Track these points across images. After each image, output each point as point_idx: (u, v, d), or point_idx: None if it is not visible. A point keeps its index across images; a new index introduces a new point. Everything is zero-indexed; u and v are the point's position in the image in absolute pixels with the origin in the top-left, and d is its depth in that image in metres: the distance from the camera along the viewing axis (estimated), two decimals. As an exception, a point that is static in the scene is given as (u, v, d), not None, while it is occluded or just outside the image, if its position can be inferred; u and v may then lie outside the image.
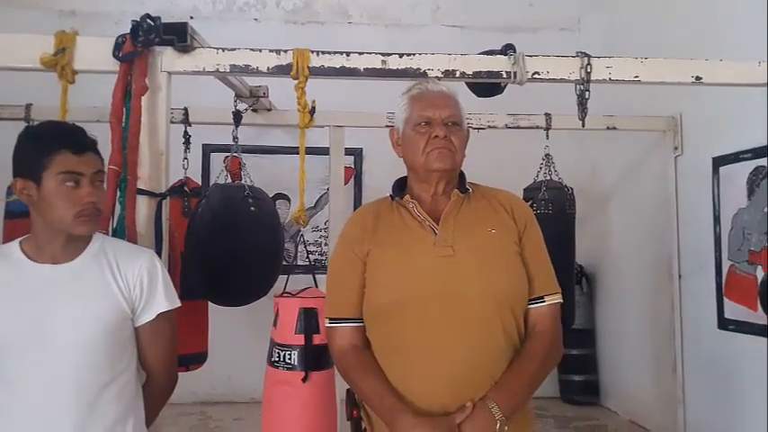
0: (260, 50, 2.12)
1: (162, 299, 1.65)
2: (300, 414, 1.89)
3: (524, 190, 4.02)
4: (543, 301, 1.64)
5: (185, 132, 3.80)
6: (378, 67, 2.12)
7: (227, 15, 5.38)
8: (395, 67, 2.12)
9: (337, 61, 2.11)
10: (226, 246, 3.01)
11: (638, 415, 4.74)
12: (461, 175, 1.74)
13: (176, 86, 2.36)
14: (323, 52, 2.11)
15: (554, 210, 3.91)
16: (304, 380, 1.87)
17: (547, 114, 4.09)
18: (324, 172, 4.44)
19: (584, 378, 5.25)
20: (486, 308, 1.57)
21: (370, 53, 2.12)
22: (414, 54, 2.13)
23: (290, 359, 1.91)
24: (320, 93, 2.34)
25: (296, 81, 2.12)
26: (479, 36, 5.20)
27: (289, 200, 5.27)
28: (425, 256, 1.61)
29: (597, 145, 5.17)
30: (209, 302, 3.42)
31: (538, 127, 4.12)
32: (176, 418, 4.71)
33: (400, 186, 1.75)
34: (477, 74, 2.17)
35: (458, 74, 2.15)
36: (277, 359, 1.94)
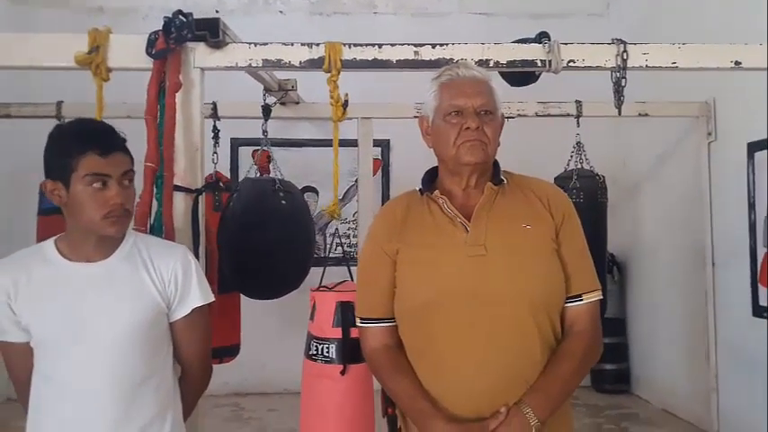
0: (292, 44, 2.12)
1: (196, 294, 1.66)
2: (339, 406, 1.90)
3: (555, 179, 3.97)
4: (581, 300, 1.56)
5: (214, 127, 3.83)
6: (410, 58, 2.11)
7: (253, 8, 5.39)
8: (428, 58, 2.10)
9: (369, 53, 2.10)
10: (257, 239, 3.04)
11: (670, 404, 4.69)
12: (495, 164, 1.65)
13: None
14: (355, 45, 2.10)
15: (585, 198, 3.86)
16: (342, 373, 1.88)
17: (577, 102, 4.04)
18: (352, 164, 4.44)
19: (615, 367, 5.20)
20: (520, 310, 1.50)
21: (403, 44, 2.10)
22: (447, 44, 2.11)
23: (327, 352, 1.91)
24: (347, 84, 2.32)
25: (327, 74, 2.10)
26: (506, 23, 5.17)
27: (317, 192, 5.28)
28: (456, 255, 1.53)
29: (629, 132, 5.10)
30: (242, 295, 3.45)
31: (568, 115, 4.07)
32: (210, 410, 4.74)
33: (430, 178, 1.67)
34: (511, 63, 2.14)
35: (492, 63, 2.13)
36: (315, 352, 1.94)
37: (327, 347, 1.91)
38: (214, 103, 3.85)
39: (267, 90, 3.34)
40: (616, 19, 5.38)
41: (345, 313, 1.84)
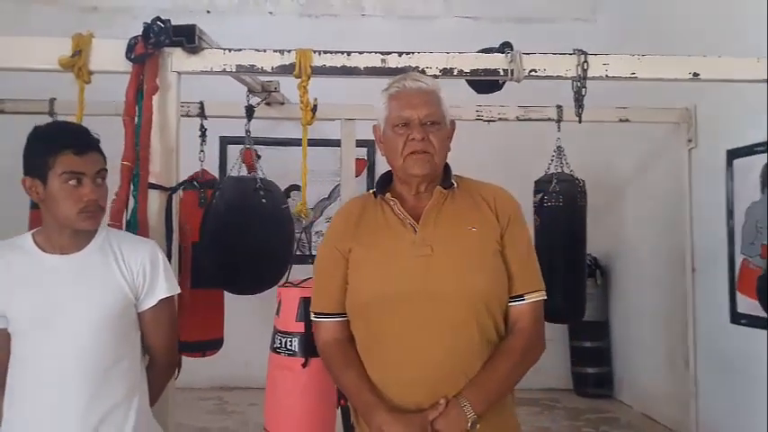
0: (264, 51, 2.20)
1: (163, 285, 1.76)
2: (300, 398, 1.97)
3: (535, 182, 4.05)
4: (523, 299, 1.63)
5: (201, 126, 3.91)
6: (377, 65, 2.19)
7: (244, 9, 5.48)
8: (394, 66, 2.18)
9: (338, 60, 2.19)
10: (238, 236, 3.12)
11: (651, 408, 4.75)
12: (447, 168, 1.73)
13: (193, 80, 2.44)
14: (324, 52, 2.18)
15: (565, 202, 3.93)
16: (304, 365, 1.94)
17: (558, 107, 4.09)
18: (338, 164, 4.52)
19: (597, 370, 5.29)
20: (461, 307, 1.57)
21: (370, 52, 2.19)
22: (413, 53, 2.20)
23: (291, 346, 1.98)
24: (333, 86, 2.39)
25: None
26: (492, 27, 5.25)
27: (302, 191, 5.37)
28: (404, 255, 1.61)
29: (611, 137, 5.16)
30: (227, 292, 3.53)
31: (549, 119, 4.12)
32: (194, 402, 4.86)
33: (385, 181, 1.74)
34: (474, 72, 2.22)
35: (456, 72, 2.21)
36: (279, 345, 2.02)
37: (290, 341, 1.98)
38: (201, 103, 3.93)
39: (251, 91, 3.42)
40: (602, 24, 5.46)
41: (308, 308, 1.91)
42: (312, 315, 1.77)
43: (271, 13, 5.51)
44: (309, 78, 2.18)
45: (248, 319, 4.53)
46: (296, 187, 5.32)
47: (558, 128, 4.09)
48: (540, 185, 4.01)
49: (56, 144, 1.62)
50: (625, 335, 5.19)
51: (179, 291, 1.83)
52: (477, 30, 5.37)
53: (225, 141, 5.24)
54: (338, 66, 2.19)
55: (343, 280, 1.69)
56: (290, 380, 2.00)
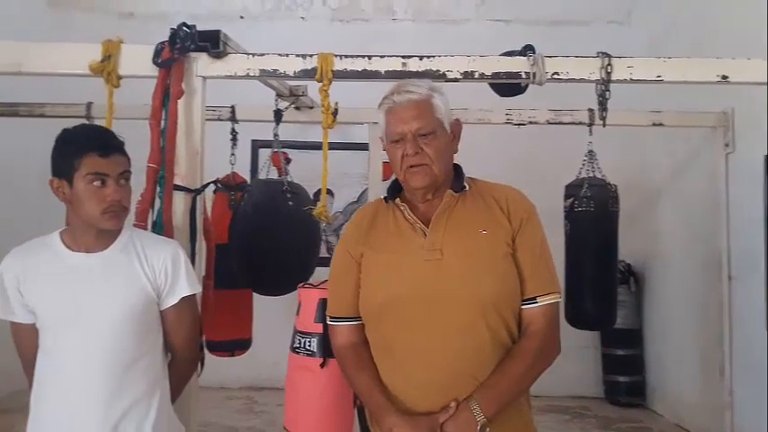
0: (287, 55, 2.24)
1: (185, 284, 1.81)
2: (319, 397, 1.99)
3: (566, 187, 4.00)
4: (536, 302, 1.63)
5: (232, 129, 3.98)
6: (398, 69, 2.20)
7: (276, 14, 5.54)
8: (415, 69, 2.18)
9: (359, 64, 2.20)
10: (265, 237, 3.17)
11: (684, 418, 4.64)
12: (458, 170, 1.73)
13: (225, 85, 2.49)
14: (345, 56, 2.20)
15: (596, 207, 3.87)
16: (322, 365, 1.96)
17: (590, 110, 4.02)
18: (367, 167, 4.54)
19: (629, 379, 5.17)
20: (470, 311, 1.57)
21: (391, 56, 2.20)
22: (433, 56, 2.20)
23: (309, 346, 2.00)
24: (361, 89, 2.40)
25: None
26: (525, 30, 5.20)
27: (332, 194, 5.42)
28: (414, 259, 1.62)
29: (646, 141, 5.08)
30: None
31: (581, 123, 4.06)
32: (224, 402, 4.95)
33: (396, 187, 1.75)
34: (496, 75, 2.21)
35: (477, 75, 2.21)
36: (298, 346, 2.04)
37: (309, 341, 2.00)
38: (232, 107, 4.00)
39: (279, 95, 3.46)
40: (638, 27, 5.35)
41: (326, 310, 1.93)
42: (328, 319, 1.80)
43: (302, 18, 5.56)
44: (331, 82, 2.20)
45: (277, 319, 4.56)
46: (327, 191, 5.38)
47: (590, 131, 4.03)
48: (571, 190, 3.96)
49: (81, 146, 1.68)
50: (659, 343, 5.08)
51: (200, 290, 1.88)
52: (509, 33, 5.33)
53: (256, 145, 5.31)
54: (359, 69, 2.21)
55: (356, 284, 1.71)
56: (308, 380, 2.02)
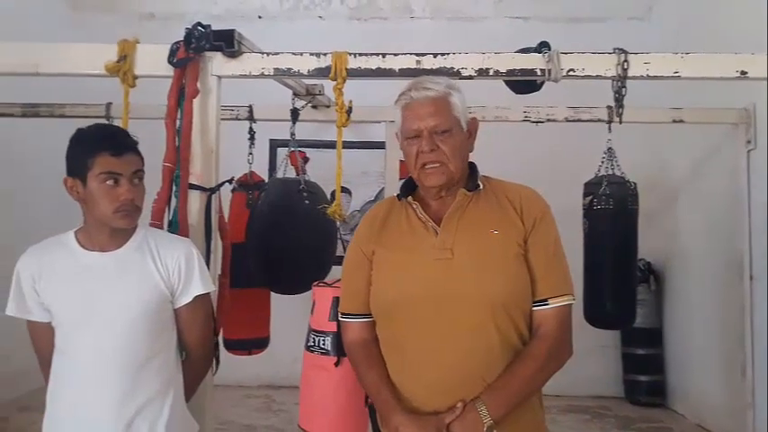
0: (301, 54, 2.24)
1: (198, 283, 1.82)
2: (333, 396, 1.99)
3: (585, 185, 3.96)
4: (548, 304, 1.61)
5: (250, 129, 4.00)
6: (412, 67, 2.19)
7: (294, 14, 5.56)
8: (429, 67, 2.17)
9: (373, 63, 2.20)
10: (282, 236, 3.18)
11: (705, 418, 4.58)
12: (473, 169, 1.72)
13: (243, 84, 2.49)
14: (360, 54, 2.20)
15: (615, 205, 3.84)
16: (336, 364, 1.97)
17: (609, 107, 3.97)
18: (384, 166, 4.54)
19: (650, 378, 5.12)
20: (479, 311, 1.56)
21: (405, 54, 2.19)
22: (447, 54, 2.19)
23: (324, 344, 2.01)
24: (378, 87, 2.40)
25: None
26: (543, 27, 5.17)
27: (350, 193, 5.43)
28: (424, 258, 1.61)
29: (666, 138, 5.01)
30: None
31: (600, 120, 4.02)
32: (242, 400, 4.98)
33: (410, 185, 1.74)
34: (510, 72, 2.20)
35: (492, 72, 2.19)
36: (313, 344, 2.04)
37: (324, 340, 2.01)
38: (250, 107, 4.02)
39: (296, 95, 3.47)
40: (658, 23, 5.29)
41: (338, 306, 1.94)
42: (339, 315, 1.80)
43: (320, 17, 5.58)
44: (345, 81, 2.19)
45: (295, 317, 4.56)
46: (343, 189, 5.38)
47: (609, 129, 3.99)
48: (590, 188, 3.93)
49: (94, 146, 1.70)
50: (679, 342, 5.02)
51: (213, 288, 1.89)
52: (527, 30, 5.29)
53: (274, 144, 5.33)
54: (373, 68, 2.20)
55: (367, 281, 1.71)
56: (323, 378, 2.02)
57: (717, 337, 4.47)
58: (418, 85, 1.67)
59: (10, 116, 4.16)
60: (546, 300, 1.61)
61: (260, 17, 5.51)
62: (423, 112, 1.62)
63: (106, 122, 1.87)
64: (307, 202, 3.21)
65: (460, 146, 1.66)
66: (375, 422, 1.82)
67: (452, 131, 1.64)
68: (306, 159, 3.87)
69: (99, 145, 1.70)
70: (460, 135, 1.66)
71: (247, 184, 3.80)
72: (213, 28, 2.22)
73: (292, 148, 3.57)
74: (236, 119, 4.02)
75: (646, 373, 5.13)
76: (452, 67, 2.16)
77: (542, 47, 2.19)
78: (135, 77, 2.25)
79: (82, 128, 1.77)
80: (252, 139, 3.99)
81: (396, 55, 2.20)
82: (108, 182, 1.69)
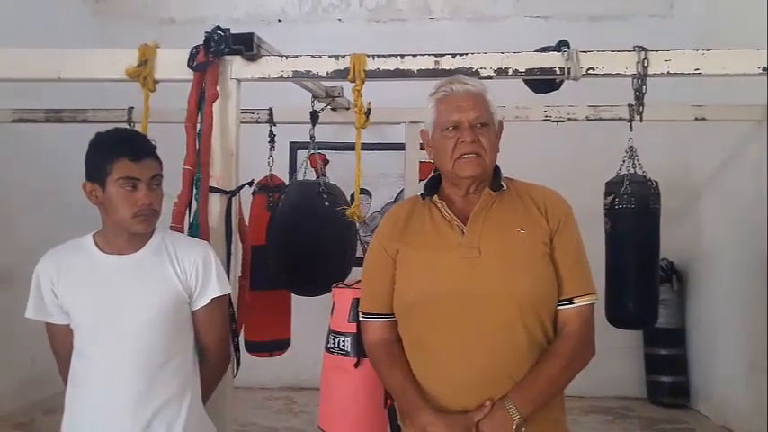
0: (320, 56, 2.25)
1: (215, 285, 1.83)
2: (353, 397, 1.99)
3: (606, 184, 3.93)
4: (573, 303, 1.62)
5: (270, 132, 4.02)
6: (431, 68, 2.18)
7: (313, 17, 5.58)
8: (448, 68, 2.16)
9: (392, 64, 2.20)
10: (302, 238, 3.19)
11: (730, 420, 4.51)
12: (497, 170, 1.73)
13: (264, 87, 2.50)
14: (378, 56, 2.20)
15: (637, 204, 3.81)
16: (356, 365, 1.97)
17: (630, 105, 3.93)
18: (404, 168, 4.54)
19: (673, 379, 5.05)
20: (507, 310, 1.57)
21: (423, 55, 2.19)
22: (466, 54, 2.18)
23: (343, 346, 2.01)
24: (398, 89, 2.40)
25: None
26: (564, 26, 5.10)
27: (370, 195, 5.43)
28: (451, 256, 1.62)
29: (690, 136, 4.95)
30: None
31: (621, 119, 3.99)
32: (264, 402, 5.01)
33: (434, 184, 1.75)
34: (530, 71, 2.18)
35: (510, 72, 2.18)
36: (332, 345, 2.05)
37: (343, 341, 2.01)
38: (270, 110, 4.05)
39: (315, 97, 3.49)
40: (680, 20, 5.22)
41: (359, 306, 1.94)
42: (360, 315, 1.80)
43: (340, 19, 5.59)
44: (363, 82, 2.20)
45: (317, 319, 4.57)
46: (363, 191, 5.38)
47: (630, 127, 3.94)
48: (611, 187, 3.89)
49: (113, 151, 1.71)
50: (703, 342, 4.95)
51: (230, 290, 1.90)
52: (548, 30, 5.23)
53: (295, 147, 5.36)
54: (392, 69, 2.20)
55: (390, 281, 1.71)
56: (343, 380, 2.03)
57: (741, 337, 4.40)
58: (456, 80, 1.71)
59: (33, 122, 4.24)
60: (572, 299, 1.63)
61: (279, 20, 5.54)
62: (464, 105, 1.65)
63: (125, 126, 1.86)
64: (326, 204, 3.22)
65: (495, 142, 1.69)
66: (394, 424, 1.82)
67: (489, 126, 1.67)
68: (326, 162, 3.89)
69: (118, 150, 1.71)
70: (494, 132, 1.70)
71: (268, 187, 3.81)
72: (233, 32, 2.24)
73: (312, 151, 3.58)
74: (257, 122, 4.05)
75: (669, 373, 5.06)
76: (471, 67, 2.15)
77: (561, 45, 2.17)
78: (155, 82, 2.27)
79: (101, 132, 1.78)
80: (272, 141, 4.00)
81: (414, 56, 2.19)
82: (126, 187, 1.70)
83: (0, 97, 4.10)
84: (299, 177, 3.77)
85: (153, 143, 1.80)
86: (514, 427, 1.51)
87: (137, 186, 1.71)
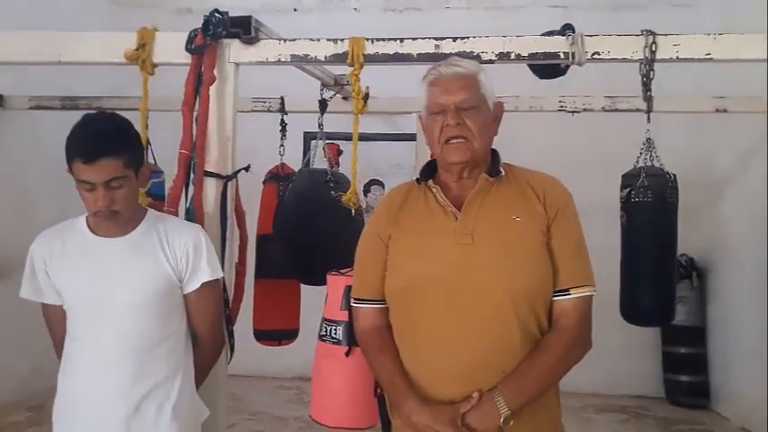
0: (318, 40, 2.21)
1: (206, 269, 1.80)
2: (344, 385, 1.96)
3: (623, 176, 3.84)
4: (569, 294, 1.56)
5: (282, 120, 4.00)
6: (431, 51, 2.13)
7: (329, 5, 5.55)
8: (448, 51, 2.11)
9: (391, 48, 2.15)
10: (308, 227, 3.16)
11: (750, 421, 4.40)
12: (495, 156, 1.68)
13: (276, 76, 2.45)
14: (377, 39, 2.16)
15: (654, 198, 3.70)
16: (347, 354, 1.94)
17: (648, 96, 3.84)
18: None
19: (691, 379, 4.95)
20: (500, 299, 1.52)
21: (423, 38, 2.14)
22: (467, 37, 2.12)
23: (335, 334, 1.98)
24: (410, 77, 2.34)
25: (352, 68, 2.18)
26: (584, 16, 4.99)
27: (383, 185, 5.39)
28: (444, 242, 1.58)
29: (711, 128, 4.82)
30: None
31: (638, 110, 3.88)
32: (274, 391, 5.01)
33: (430, 169, 1.71)
34: (533, 56, 2.12)
35: (513, 56, 2.12)
36: (325, 333, 2.03)
37: (335, 329, 1.98)
38: (282, 98, 4.03)
39: (324, 85, 3.45)
40: (704, 10, 5.07)
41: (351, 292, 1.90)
42: (352, 301, 1.76)
43: (355, 9, 5.55)
44: (362, 66, 2.16)
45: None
46: (376, 182, 5.35)
47: (648, 119, 3.83)
48: (628, 180, 3.79)
49: (70, 152, 1.66)
50: (723, 341, 4.84)
51: (222, 275, 1.87)
52: (567, 19, 4.90)
53: (308, 137, 5.33)
54: (391, 53, 2.16)
55: (382, 266, 1.67)
56: (335, 368, 2.00)
57: (763, 336, 4.28)
58: (446, 63, 1.67)
59: (50, 109, 4.28)
60: (567, 290, 1.57)
61: (295, 10, 5.52)
62: (451, 87, 1.60)
63: (108, 112, 1.78)
64: (333, 192, 3.19)
65: (486, 125, 1.63)
66: (384, 412, 1.78)
67: (479, 109, 1.61)
68: (339, 152, 3.85)
69: (73, 151, 1.65)
70: (487, 115, 1.63)
71: (279, 176, 3.79)
72: (228, 15, 2.21)
73: (320, 139, 3.55)
74: (268, 110, 4.04)
75: (687, 372, 4.96)
76: (472, 51, 2.10)
77: (566, 29, 2.11)
78: (154, 65, 2.26)
79: (77, 122, 1.71)
80: (283, 130, 3.98)
81: (414, 39, 2.14)
82: (84, 187, 1.67)
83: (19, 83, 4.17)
84: (308, 166, 3.73)
85: (128, 135, 1.72)
86: (502, 420, 1.46)
87: (93, 188, 1.66)
